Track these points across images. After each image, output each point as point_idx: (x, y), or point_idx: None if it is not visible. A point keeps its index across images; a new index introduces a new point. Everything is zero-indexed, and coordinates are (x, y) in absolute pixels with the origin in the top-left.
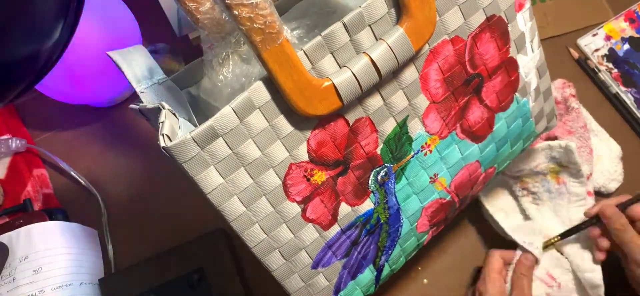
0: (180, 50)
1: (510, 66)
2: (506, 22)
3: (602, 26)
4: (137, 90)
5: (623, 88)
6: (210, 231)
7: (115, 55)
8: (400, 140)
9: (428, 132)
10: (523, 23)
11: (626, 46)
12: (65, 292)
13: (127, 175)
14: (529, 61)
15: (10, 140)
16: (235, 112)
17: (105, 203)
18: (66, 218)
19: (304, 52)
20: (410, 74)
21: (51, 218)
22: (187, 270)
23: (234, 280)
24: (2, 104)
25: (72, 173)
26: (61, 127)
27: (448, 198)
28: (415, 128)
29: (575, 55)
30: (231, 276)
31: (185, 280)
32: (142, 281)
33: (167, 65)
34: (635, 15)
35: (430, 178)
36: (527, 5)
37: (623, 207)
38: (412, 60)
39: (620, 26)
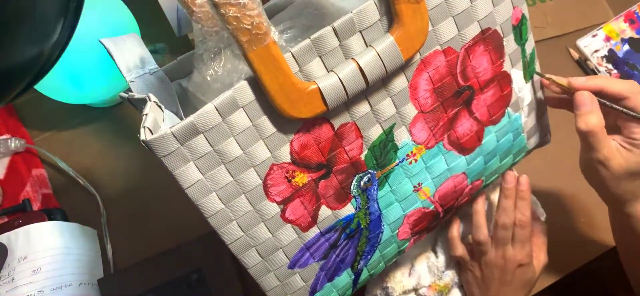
0: (180, 50)
1: (503, 80)
2: (502, 35)
3: (602, 27)
4: (127, 79)
5: None
6: (210, 232)
7: (107, 42)
8: (385, 148)
9: (414, 141)
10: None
11: (626, 47)
12: (64, 292)
13: (126, 175)
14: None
15: (9, 140)
16: (217, 110)
17: (104, 203)
18: (65, 219)
19: (292, 54)
20: (400, 82)
21: (50, 219)
22: (186, 271)
23: (233, 281)
24: (1, 104)
25: (71, 173)
26: (60, 126)
27: (431, 207)
28: (402, 137)
29: (575, 55)
30: (230, 277)
31: (184, 281)
32: (141, 282)
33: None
34: (635, 16)
35: (414, 187)
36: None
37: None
38: (402, 68)
39: (620, 27)
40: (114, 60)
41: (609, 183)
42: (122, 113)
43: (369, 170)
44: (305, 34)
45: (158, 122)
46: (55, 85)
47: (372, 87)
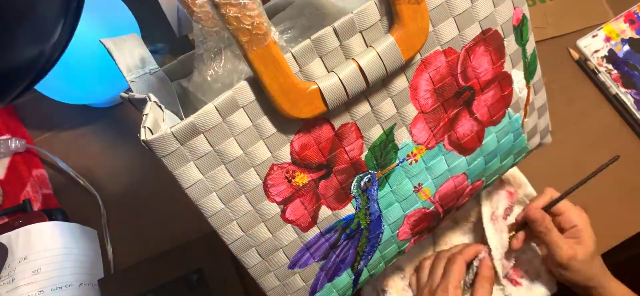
0: (181, 50)
1: (504, 81)
2: (502, 36)
3: (602, 27)
4: (128, 79)
5: (623, 90)
6: (210, 232)
7: (108, 42)
8: (385, 148)
9: (415, 142)
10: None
11: (626, 47)
12: (64, 293)
13: (127, 176)
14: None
15: (9, 141)
16: (218, 110)
17: (104, 203)
18: (65, 219)
19: (293, 54)
20: (400, 83)
21: (50, 219)
22: (186, 271)
23: (234, 281)
24: (2, 105)
25: (72, 173)
26: (61, 127)
27: (431, 208)
28: (402, 137)
29: (575, 56)
30: (230, 277)
31: (184, 281)
32: (141, 282)
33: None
34: (635, 16)
35: (414, 187)
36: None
37: (547, 208)
38: (402, 69)
39: (620, 27)
40: (114, 60)
41: (577, 276)
42: (122, 114)
43: (369, 171)
44: (305, 34)
45: (158, 122)
46: (56, 85)
47: (373, 87)
